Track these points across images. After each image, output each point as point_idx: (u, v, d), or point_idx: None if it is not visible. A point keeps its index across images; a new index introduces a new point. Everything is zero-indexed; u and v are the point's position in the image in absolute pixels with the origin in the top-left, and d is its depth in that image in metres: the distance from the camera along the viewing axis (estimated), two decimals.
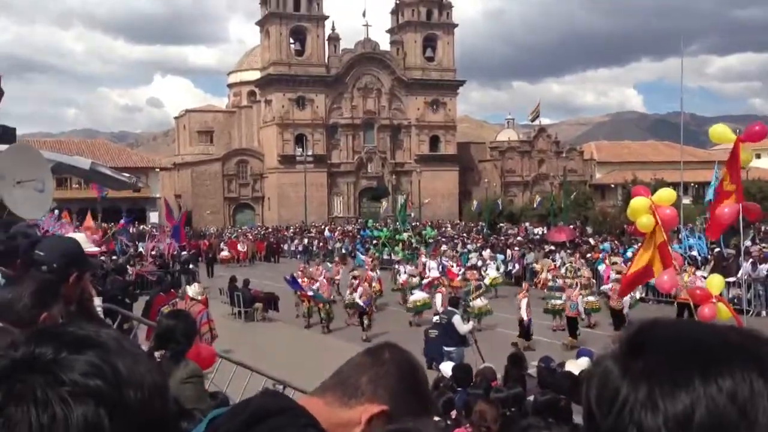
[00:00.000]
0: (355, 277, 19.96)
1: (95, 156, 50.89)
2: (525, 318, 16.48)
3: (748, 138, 7.60)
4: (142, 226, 50.51)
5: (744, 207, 7.60)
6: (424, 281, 21.71)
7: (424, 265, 24.29)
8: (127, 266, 21.60)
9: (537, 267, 24.55)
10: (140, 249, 29.21)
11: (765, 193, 45.95)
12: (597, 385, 0.81)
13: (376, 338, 15.93)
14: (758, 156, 54.47)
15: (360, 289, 18.87)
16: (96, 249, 10.08)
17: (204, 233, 48.85)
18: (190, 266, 27.35)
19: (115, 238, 27.05)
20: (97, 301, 4.63)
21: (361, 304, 18.61)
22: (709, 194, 22.22)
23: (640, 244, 8.87)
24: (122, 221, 30.83)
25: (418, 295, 19.92)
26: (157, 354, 4.18)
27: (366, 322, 18.29)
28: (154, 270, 22.06)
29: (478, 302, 18.25)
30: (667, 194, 7.63)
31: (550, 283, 19.46)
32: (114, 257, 22.69)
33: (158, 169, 64.99)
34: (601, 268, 22.50)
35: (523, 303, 16.56)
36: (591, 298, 18.45)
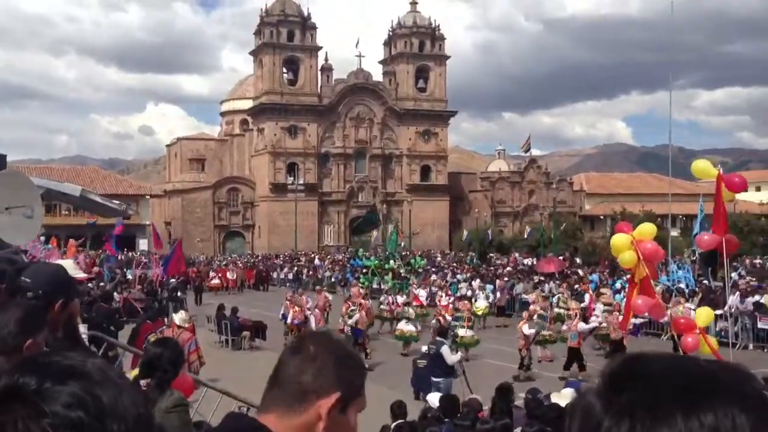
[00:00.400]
0: (360, 305, 19.79)
1: (86, 183, 50.81)
2: (531, 333, 16.51)
3: (727, 185, 7.67)
4: (131, 253, 50.27)
5: (727, 240, 7.66)
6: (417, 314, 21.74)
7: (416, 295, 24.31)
8: (114, 293, 21.41)
9: (530, 298, 24.51)
10: (128, 275, 28.99)
11: (752, 226, 46.29)
12: (579, 419, 0.81)
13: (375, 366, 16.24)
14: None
15: (356, 316, 18.76)
16: (83, 275, 10.02)
17: (193, 261, 48.62)
18: (178, 294, 27.15)
19: (102, 265, 26.81)
20: (82, 328, 4.59)
21: (351, 325, 18.53)
22: (696, 227, 22.36)
23: (629, 276, 8.94)
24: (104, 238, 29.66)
25: (406, 326, 19.81)
26: (142, 382, 4.14)
27: (361, 351, 18.16)
28: (141, 297, 21.86)
29: (464, 332, 18.17)
30: (648, 229, 7.69)
31: (540, 312, 19.44)
32: (101, 284, 22.51)
33: (149, 196, 64.94)
34: (586, 298, 22.49)
35: (525, 327, 16.60)
36: None
